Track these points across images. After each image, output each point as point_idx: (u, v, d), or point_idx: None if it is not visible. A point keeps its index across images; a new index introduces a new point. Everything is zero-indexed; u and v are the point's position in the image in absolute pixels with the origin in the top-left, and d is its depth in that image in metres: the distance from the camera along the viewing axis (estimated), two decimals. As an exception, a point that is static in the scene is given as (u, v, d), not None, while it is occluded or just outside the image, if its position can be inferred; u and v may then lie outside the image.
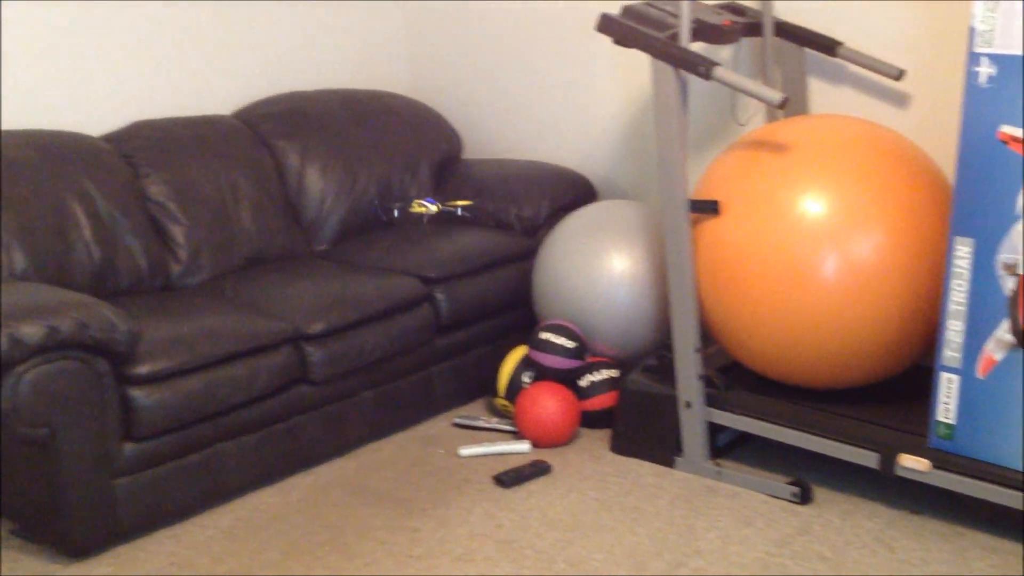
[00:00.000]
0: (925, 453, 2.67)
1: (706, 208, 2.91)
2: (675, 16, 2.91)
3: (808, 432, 2.85)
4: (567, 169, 4.03)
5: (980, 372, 2.57)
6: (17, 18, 3.36)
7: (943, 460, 2.65)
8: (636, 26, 2.91)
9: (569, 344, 3.37)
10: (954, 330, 2.59)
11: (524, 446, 3.25)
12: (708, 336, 3.05)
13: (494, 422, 3.44)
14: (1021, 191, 2.43)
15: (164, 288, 3.37)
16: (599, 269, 3.41)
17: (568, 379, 3.37)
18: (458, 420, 3.47)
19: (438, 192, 4.07)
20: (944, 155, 2.87)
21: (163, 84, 3.74)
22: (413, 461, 3.22)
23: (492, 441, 3.31)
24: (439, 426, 3.47)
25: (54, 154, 3.24)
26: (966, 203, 2.52)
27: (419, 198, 3.93)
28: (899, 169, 2.82)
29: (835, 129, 2.93)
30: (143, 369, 2.72)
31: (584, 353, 3.41)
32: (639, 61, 3.03)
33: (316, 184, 3.82)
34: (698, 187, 3.03)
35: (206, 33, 3.84)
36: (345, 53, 4.31)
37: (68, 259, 3.12)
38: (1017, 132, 2.41)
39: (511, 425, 3.39)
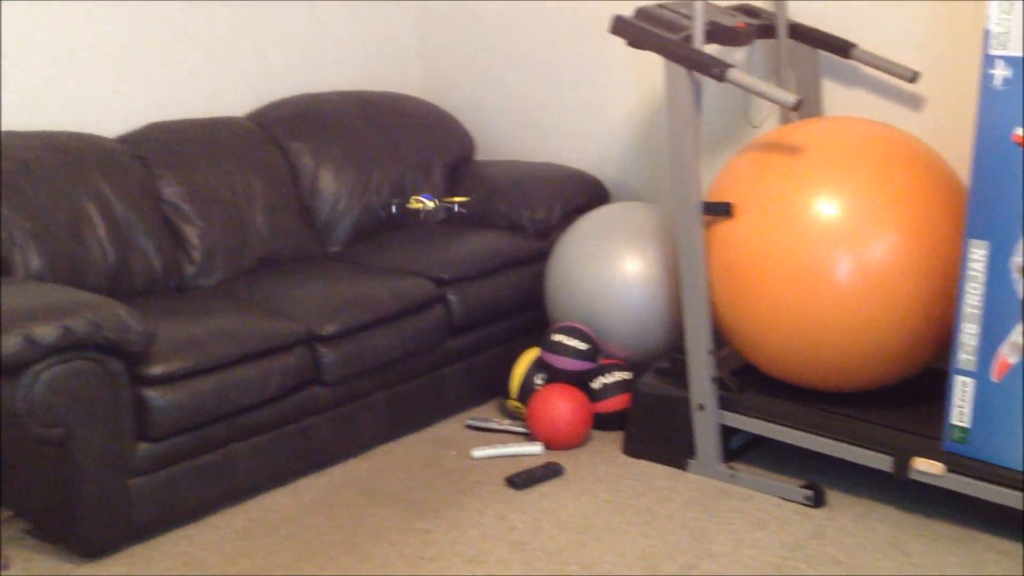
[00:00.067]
0: (939, 457, 2.66)
1: (719, 210, 2.90)
2: (689, 18, 2.91)
3: (821, 435, 2.84)
4: (580, 171, 4.03)
5: (995, 375, 2.56)
6: (32, 20, 3.37)
7: (957, 464, 2.64)
8: (650, 28, 2.91)
9: (581, 346, 3.36)
10: (969, 333, 2.58)
11: (536, 448, 3.25)
12: (721, 338, 3.05)
13: (506, 424, 3.44)
14: (1036, 194, 2.43)
15: (178, 289, 3.38)
16: (612, 271, 3.41)
17: (580, 381, 3.37)
18: (470, 422, 3.47)
19: (450, 194, 4.07)
20: (959, 158, 2.87)
21: (177, 86, 3.76)
22: (425, 462, 3.22)
23: (504, 443, 3.31)
24: (451, 428, 3.47)
25: (69, 155, 3.25)
26: (981, 206, 2.51)
27: (416, 194, 3.93)
28: (913, 172, 2.81)
29: (849, 131, 2.92)
30: (157, 370, 2.73)
31: (596, 355, 3.40)
32: (652, 63, 3.03)
33: (329, 186, 3.83)
34: (711, 189, 3.02)
35: (220, 36, 3.86)
36: (358, 55, 4.32)
37: (83, 260, 3.14)
38: (1033, 134, 2.41)
39: (523, 427, 3.39)
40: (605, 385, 3.36)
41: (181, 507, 2.84)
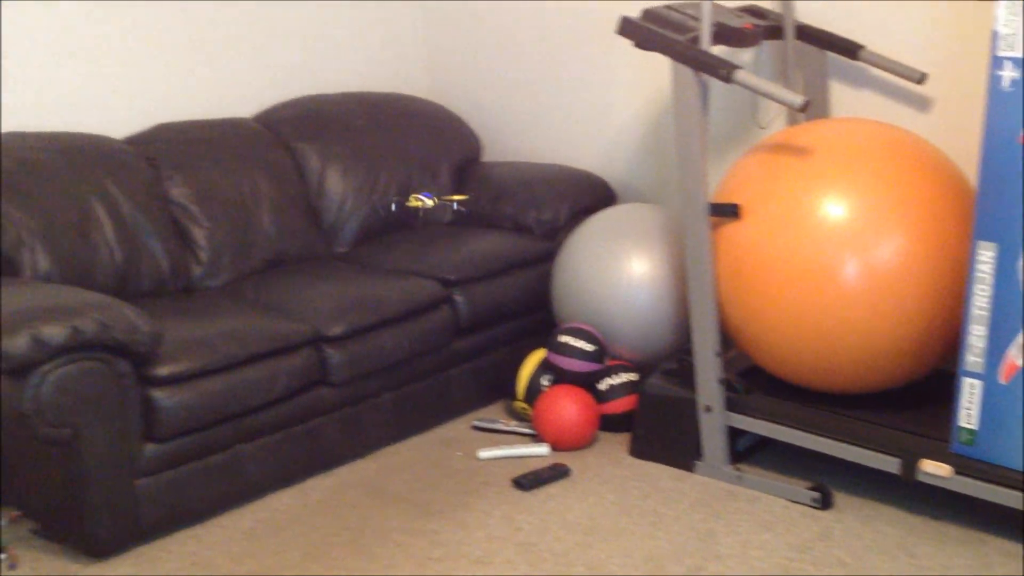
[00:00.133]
0: (947, 459, 2.66)
1: (726, 211, 2.90)
2: (696, 19, 2.91)
3: (829, 437, 2.84)
4: (586, 172, 4.03)
5: (1003, 377, 2.55)
6: (39, 21, 3.38)
7: (965, 466, 2.63)
8: (657, 29, 2.91)
9: (588, 347, 3.36)
10: (976, 335, 2.57)
11: (543, 449, 3.25)
12: (728, 340, 3.05)
13: (513, 425, 3.44)
14: (1045, 195, 2.42)
15: (185, 290, 3.39)
16: (618, 272, 3.41)
17: (587, 382, 3.37)
18: (477, 423, 3.47)
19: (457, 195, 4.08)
20: (966, 159, 2.86)
21: (185, 87, 3.76)
22: (432, 463, 3.22)
23: (511, 444, 3.31)
24: (458, 429, 3.47)
25: (77, 156, 3.26)
26: (989, 207, 2.51)
27: (416, 192, 3.93)
28: (921, 173, 2.80)
29: (857, 133, 2.91)
30: (164, 370, 2.74)
31: (603, 356, 3.40)
32: (659, 64, 3.03)
33: (336, 187, 3.83)
34: (718, 190, 3.02)
35: (227, 37, 3.86)
36: (365, 56, 4.32)
37: (91, 260, 3.14)
38: (1041, 136, 2.40)
39: (530, 428, 3.39)
40: (612, 386, 3.36)
41: (188, 507, 2.84)
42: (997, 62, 2.44)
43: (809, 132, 2.96)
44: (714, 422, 3.02)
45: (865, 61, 3.22)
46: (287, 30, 4.04)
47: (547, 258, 3.71)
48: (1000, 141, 2.46)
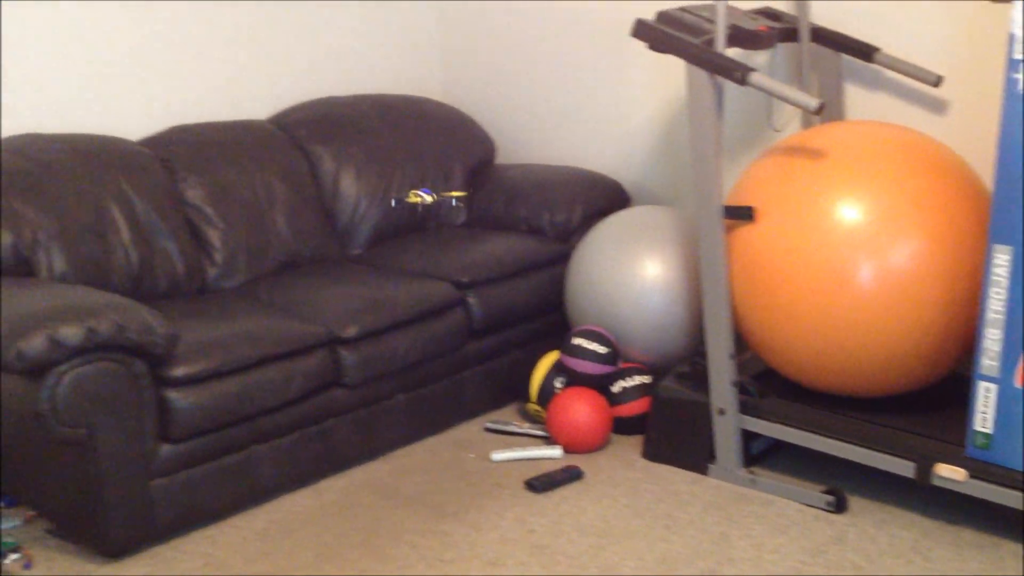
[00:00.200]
0: (962, 462, 2.65)
1: (741, 214, 2.90)
2: (710, 22, 2.91)
3: (843, 440, 2.83)
4: (600, 174, 4.03)
5: (1018, 381, 2.54)
6: (56, 23, 3.40)
7: (980, 470, 2.62)
8: (671, 32, 2.90)
9: (601, 350, 3.36)
10: (992, 339, 2.56)
11: (556, 451, 3.25)
12: (742, 343, 3.04)
13: (526, 427, 3.44)
14: (1062, 199, 2.41)
15: (200, 291, 3.40)
16: (632, 275, 3.41)
17: (600, 385, 3.37)
18: (490, 425, 3.47)
19: (472, 198, 4.08)
20: (982, 162, 2.85)
21: (200, 89, 3.78)
22: (445, 465, 3.22)
23: (524, 446, 3.31)
24: (471, 430, 3.47)
25: (93, 158, 3.28)
26: (1005, 210, 2.50)
27: (416, 188, 3.93)
28: (937, 176, 2.79)
29: (872, 135, 2.91)
30: (180, 371, 2.75)
31: (617, 359, 3.40)
32: (674, 66, 3.03)
33: (350, 189, 3.84)
34: (733, 193, 3.02)
35: (242, 39, 3.88)
36: (379, 58, 4.33)
37: (107, 262, 3.16)
38: (1058, 139, 2.39)
39: (543, 430, 3.39)
40: (625, 389, 3.36)
41: (203, 508, 2.85)
42: (1013, 64, 2.43)
43: (824, 135, 2.95)
44: (728, 425, 3.01)
45: (880, 64, 3.21)
46: (302, 32, 4.05)
47: (561, 260, 3.71)
48: (1016, 144, 2.45)
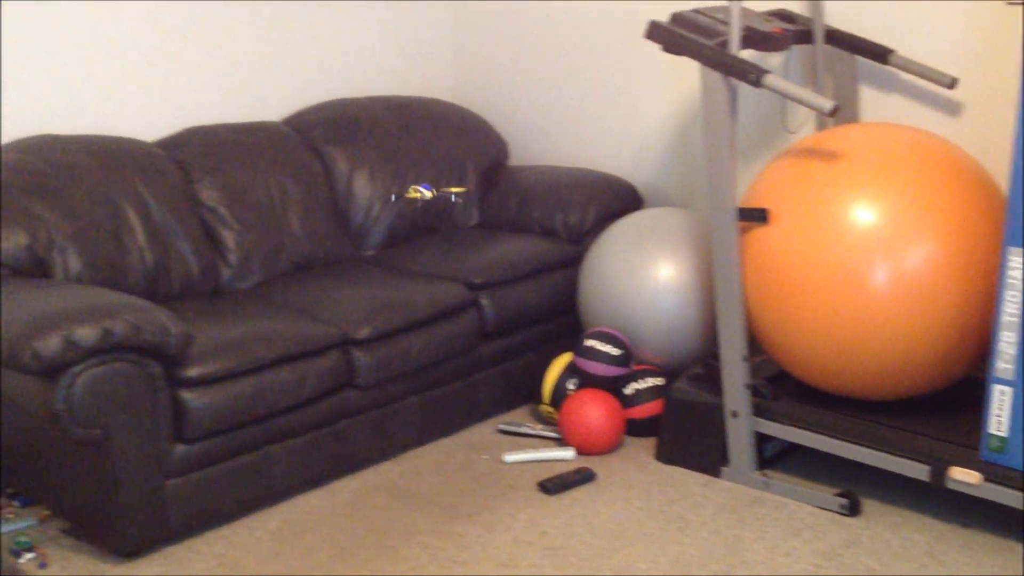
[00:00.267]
0: (977, 466, 2.64)
1: (755, 216, 2.89)
2: (725, 23, 2.90)
3: (857, 443, 2.82)
4: (614, 176, 4.03)
5: (1034, 385, 2.53)
6: (71, 24, 3.42)
7: (995, 473, 2.61)
8: (685, 33, 2.90)
9: (615, 351, 3.36)
10: (1007, 342, 2.55)
11: (569, 453, 3.25)
12: (755, 345, 3.03)
13: (539, 429, 3.44)
14: (1078, 201, 2.40)
15: (214, 292, 3.41)
16: (645, 277, 3.40)
17: (613, 387, 3.37)
18: (502, 426, 3.48)
19: (485, 200, 4.09)
20: (997, 164, 2.84)
21: (215, 91, 3.79)
22: (458, 466, 3.23)
23: (536, 448, 3.31)
24: (483, 432, 3.47)
25: (109, 159, 3.29)
26: (1020, 213, 2.49)
27: (416, 184, 3.93)
28: (951, 178, 2.79)
29: (886, 138, 2.90)
30: (194, 372, 2.76)
31: (630, 361, 3.40)
32: (687, 67, 3.02)
33: (364, 190, 3.85)
34: (747, 195, 3.01)
35: (257, 41, 3.89)
36: (393, 60, 4.34)
37: (122, 262, 3.17)
38: (1074, 141, 2.38)
39: (555, 432, 3.39)
40: (638, 391, 3.36)
41: (217, 508, 2.86)
42: (1029, 67, 2.42)
43: (838, 137, 2.94)
44: (741, 427, 3.01)
45: (895, 65, 3.20)
46: (316, 34, 4.06)
47: (574, 262, 3.71)
48: (1032, 146, 2.44)
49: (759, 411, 2.99)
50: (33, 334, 2.51)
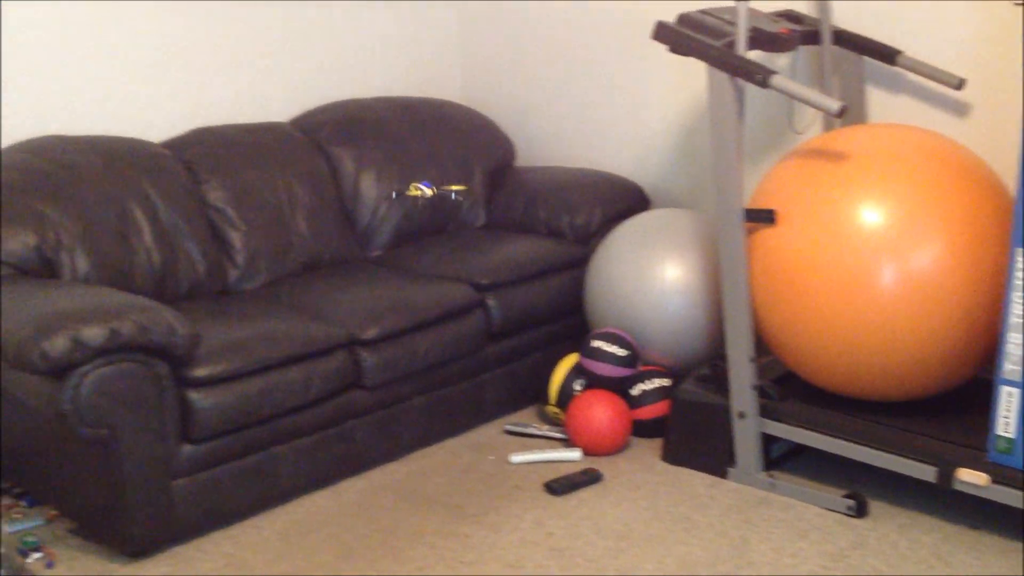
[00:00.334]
0: (984, 467, 2.63)
1: (762, 217, 2.89)
2: (732, 24, 2.90)
3: (864, 445, 2.82)
4: (620, 177, 4.03)
5: (1042, 386, 2.53)
6: (78, 25, 3.43)
7: (1002, 474, 2.60)
8: (692, 34, 2.90)
9: (621, 352, 3.36)
10: (1014, 343, 2.55)
11: (575, 454, 3.25)
12: (762, 346, 3.03)
13: (545, 429, 3.44)
14: (1086, 202, 2.39)
15: (221, 292, 3.42)
16: (652, 277, 3.40)
17: (620, 388, 3.37)
18: (509, 427, 3.48)
19: (492, 200, 4.09)
20: (1005, 165, 2.83)
21: (222, 92, 3.80)
22: (464, 467, 3.23)
23: (543, 448, 3.31)
24: (490, 433, 3.47)
25: (116, 160, 3.30)
26: (1029, 214, 2.48)
27: (416, 182, 3.93)
28: (959, 180, 2.78)
29: (894, 139, 2.89)
30: (201, 372, 2.77)
31: (636, 362, 3.40)
32: (694, 68, 3.02)
33: (371, 191, 3.85)
34: (754, 196, 3.01)
35: (265, 42, 3.90)
36: (399, 61, 4.34)
37: (129, 263, 3.18)
38: (1082, 142, 2.38)
39: (562, 433, 3.39)
40: (644, 392, 3.35)
41: (224, 508, 2.87)
42: (1037, 67, 2.41)
43: (846, 137, 2.94)
44: (748, 428, 3.00)
45: (903, 66, 3.20)
46: (323, 35, 4.07)
47: (580, 263, 3.71)
48: (1040, 147, 2.43)
49: (766, 412, 2.99)
50: (41, 334, 2.51)
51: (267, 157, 3.64)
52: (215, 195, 3.47)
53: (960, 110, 3.22)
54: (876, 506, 2.90)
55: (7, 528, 2.89)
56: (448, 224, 4.03)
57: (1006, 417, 2.59)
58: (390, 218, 3.87)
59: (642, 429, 3.35)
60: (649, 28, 2.99)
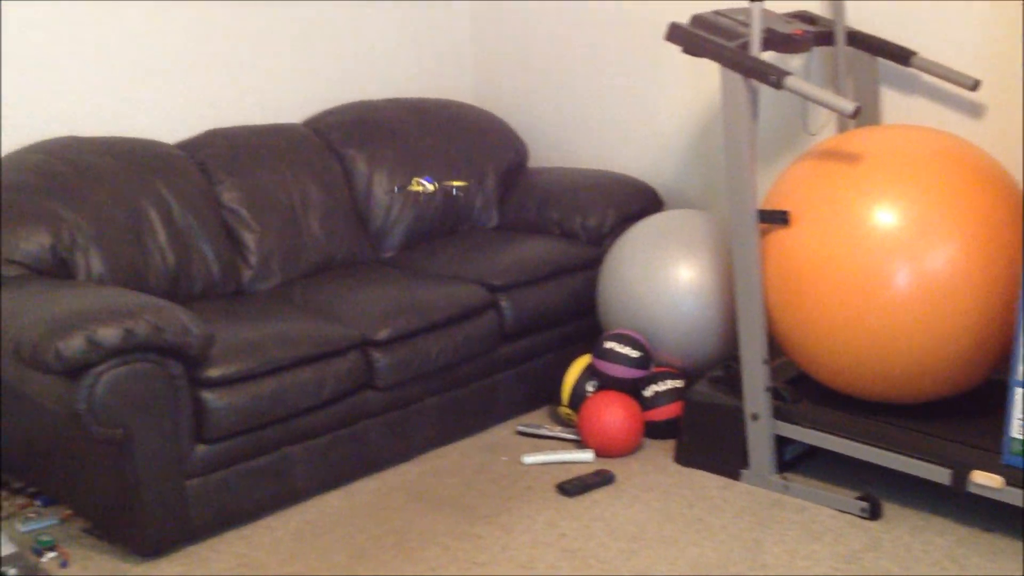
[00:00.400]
0: (998, 470, 2.62)
1: (775, 218, 2.88)
2: (745, 25, 2.90)
3: (878, 447, 2.81)
4: (633, 178, 4.03)
5: (1057, 388, 2.52)
6: (93, 26, 3.44)
7: (1017, 477, 2.59)
8: (706, 35, 2.90)
9: (634, 354, 3.36)
10: (1030, 345, 2.54)
11: (587, 455, 3.25)
12: (776, 348, 3.02)
13: (557, 431, 3.44)
14: (1102, 204, 2.38)
15: (235, 293, 3.43)
16: (665, 279, 3.40)
17: (632, 389, 3.36)
18: (521, 428, 3.48)
19: (504, 201, 4.09)
20: (1020, 166, 2.82)
21: (236, 93, 3.81)
22: (477, 468, 3.23)
23: (555, 450, 3.31)
24: (502, 434, 3.48)
25: (131, 161, 3.32)
26: (1044, 216, 2.47)
27: (418, 177, 3.93)
28: (973, 180, 2.77)
29: (908, 140, 2.89)
30: (215, 372, 2.77)
31: (649, 363, 3.39)
32: (708, 69, 3.02)
33: (383, 192, 3.86)
34: (768, 197, 3.01)
35: (277, 43, 3.91)
36: (413, 62, 4.35)
37: (143, 264, 3.19)
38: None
39: (574, 434, 3.39)
40: (657, 393, 3.35)
41: (237, 508, 2.87)
42: (1053, 68, 2.40)
43: (860, 139, 2.93)
44: (761, 430, 3.00)
45: (917, 67, 3.19)
46: (336, 36, 4.08)
47: (593, 264, 3.71)
48: (1056, 148, 2.42)
49: (779, 414, 2.98)
50: (56, 334, 2.52)
51: (280, 158, 3.65)
52: (229, 196, 3.48)
53: (975, 111, 3.21)
54: (890, 508, 2.89)
55: (21, 527, 2.91)
56: (461, 225, 4.03)
57: (1021, 419, 2.58)
58: (402, 219, 3.87)
59: (655, 431, 3.34)
60: (662, 29, 2.99)
